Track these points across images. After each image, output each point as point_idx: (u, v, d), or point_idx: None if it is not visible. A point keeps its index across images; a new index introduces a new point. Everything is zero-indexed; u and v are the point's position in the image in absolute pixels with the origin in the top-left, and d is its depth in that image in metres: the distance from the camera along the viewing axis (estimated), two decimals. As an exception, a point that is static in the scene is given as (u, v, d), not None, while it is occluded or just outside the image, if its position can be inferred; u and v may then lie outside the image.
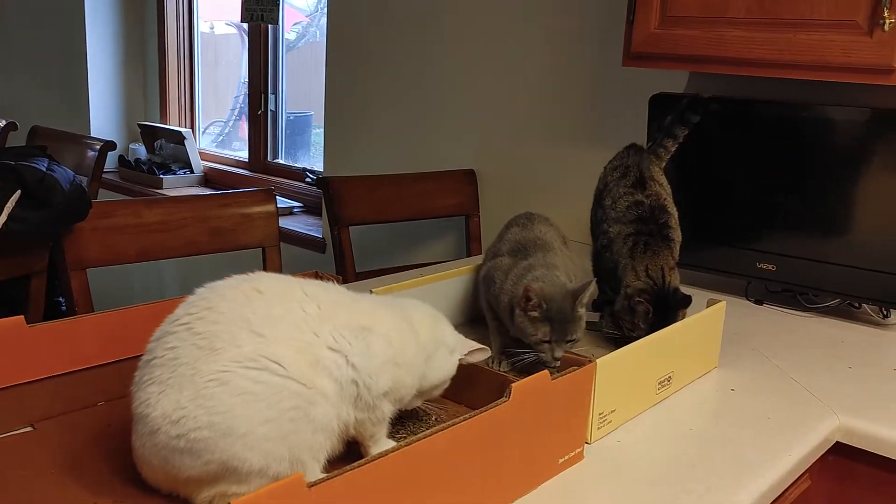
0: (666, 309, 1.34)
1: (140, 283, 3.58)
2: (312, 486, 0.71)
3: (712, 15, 1.57)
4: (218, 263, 0.95)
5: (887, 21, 1.37)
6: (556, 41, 2.23)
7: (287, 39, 3.54)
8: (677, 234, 1.47)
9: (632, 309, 1.34)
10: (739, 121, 1.75)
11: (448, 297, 1.47)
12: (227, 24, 3.83)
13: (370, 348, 0.90)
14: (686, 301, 1.35)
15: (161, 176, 3.47)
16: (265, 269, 1.91)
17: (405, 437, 0.97)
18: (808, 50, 1.48)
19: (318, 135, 3.32)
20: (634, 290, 1.35)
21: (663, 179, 1.53)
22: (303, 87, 3.51)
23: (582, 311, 1.25)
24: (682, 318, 1.34)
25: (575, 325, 1.23)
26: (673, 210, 1.49)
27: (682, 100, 1.62)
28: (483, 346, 1.10)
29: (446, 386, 1.07)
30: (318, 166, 3.19)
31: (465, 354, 1.08)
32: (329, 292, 0.93)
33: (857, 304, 1.69)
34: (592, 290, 1.25)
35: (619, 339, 1.36)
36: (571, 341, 1.23)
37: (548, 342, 1.22)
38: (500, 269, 1.35)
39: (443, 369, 1.04)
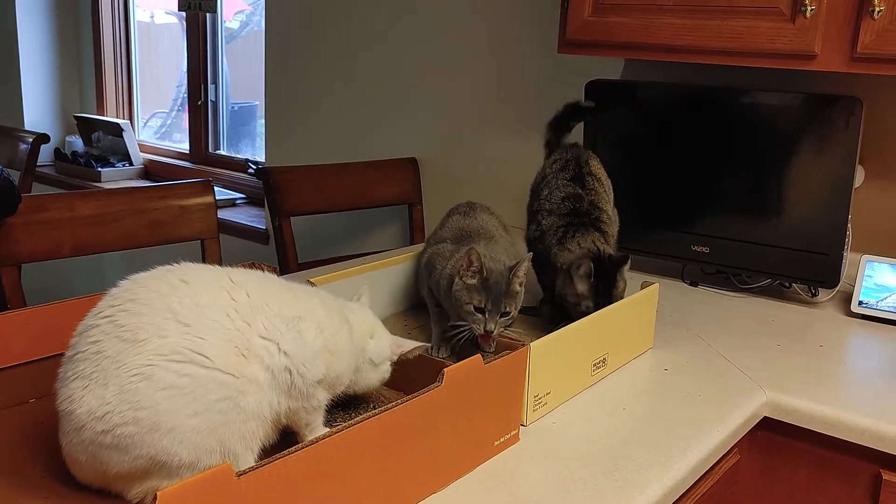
0: (605, 271, 1.32)
1: (82, 280, 3.50)
2: (241, 474, 0.71)
3: (643, 2, 1.60)
4: (163, 258, 0.94)
5: (808, 8, 1.41)
6: (496, 30, 2.25)
7: (230, 28, 3.49)
8: (610, 229, 1.47)
9: (572, 278, 1.33)
10: (674, 106, 1.78)
11: (389, 285, 1.48)
12: (167, 13, 3.76)
13: (302, 335, 0.90)
14: (623, 259, 1.33)
15: (99, 169, 3.39)
16: (204, 261, 1.89)
17: (343, 422, 0.97)
18: (736, 37, 1.51)
19: (263, 125, 3.29)
20: (570, 260, 1.35)
21: (603, 175, 1.54)
22: (247, 76, 3.46)
23: (518, 287, 1.23)
24: (624, 278, 1.34)
25: (510, 300, 1.21)
26: (607, 207, 1.49)
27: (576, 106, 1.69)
28: (421, 344, 1.12)
29: (386, 378, 1.08)
30: (263, 157, 3.16)
31: (400, 353, 1.10)
32: (257, 280, 0.93)
33: (787, 284, 1.74)
34: (528, 265, 1.25)
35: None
36: (506, 315, 1.21)
37: (481, 311, 1.20)
38: (443, 255, 1.35)
39: (369, 381, 1.06)
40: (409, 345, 1.10)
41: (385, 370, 1.07)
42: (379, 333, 1.07)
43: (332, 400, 1.00)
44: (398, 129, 2.50)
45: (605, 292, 1.29)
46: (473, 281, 1.21)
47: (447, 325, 1.33)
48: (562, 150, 1.58)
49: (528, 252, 1.54)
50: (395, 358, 1.09)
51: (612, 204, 1.54)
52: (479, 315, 1.20)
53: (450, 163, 2.41)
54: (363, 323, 1.05)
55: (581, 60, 1.98)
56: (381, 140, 2.54)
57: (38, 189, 3.16)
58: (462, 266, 1.22)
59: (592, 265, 1.31)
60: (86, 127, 3.65)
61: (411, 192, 2.41)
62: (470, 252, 1.21)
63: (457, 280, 1.23)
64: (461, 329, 1.23)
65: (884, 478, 1.20)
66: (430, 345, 1.17)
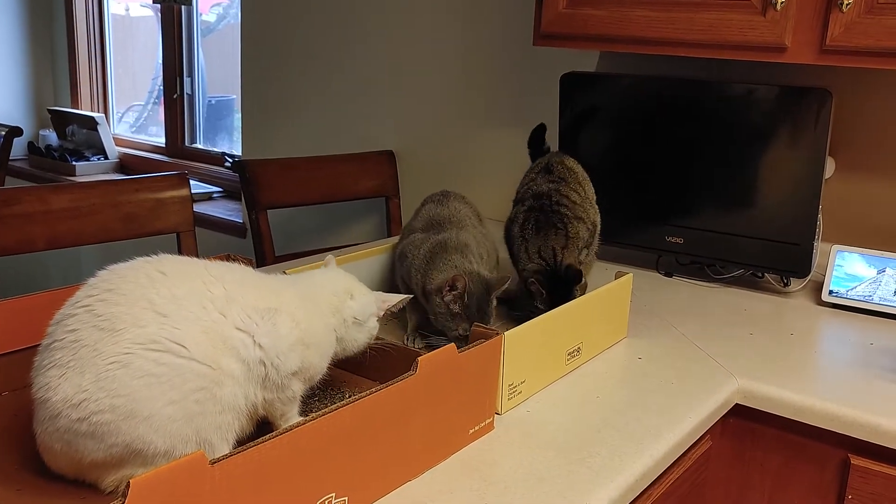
0: (559, 288, 1.36)
1: (58, 273, 3.47)
2: (215, 462, 0.72)
3: (617, -5, 1.61)
4: (138, 251, 0.94)
5: (779, 1, 1.43)
6: (471, 22, 2.25)
7: (206, 21, 3.47)
8: (572, 211, 1.46)
9: (529, 291, 1.38)
10: (648, 99, 1.80)
11: (365, 277, 1.46)
12: (142, 6, 3.73)
13: (276, 328, 0.90)
14: (576, 276, 1.36)
15: (74, 163, 3.36)
16: (180, 254, 1.88)
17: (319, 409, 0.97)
18: (708, 29, 1.53)
19: (240, 119, 3.27)
20: (527, 273, 1.38)
21: (577, 168, 1.56)
22: (224, 70, 3.44)
23: (494, 304, 1.27)
24: (582, 293, 1.36)
25: (486, 317, 1.25)
26: (571, 193, 1.49)
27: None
28: (405, 296, 1.14)
29: (374, 335, 1.09)
30: (240, 151, 3.15)
31: (386, 308, 1.10)
32: (234, 273, 0.93)
33: (759, 274, 1.76)
34: (507, 285, 1.28)
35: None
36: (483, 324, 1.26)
37: (464, 337, 1.23)
38: (414, 244, 1.36)
39: (358, 340, 1.06)
40: (394, 299, 1.11)
41: (372, 327, 1.07)
42: (358, 292, 1.06)
43: (310, 389, 1.01)
44: (375, 122, 2.50)
45: (560, 301, 1.30)
46: (456, 307, 1.23)
47: (422, 316, 1.34)
48: (541, 158, 1.60)
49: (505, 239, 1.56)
50: (382, 314, 1.09)
51: (587, 195, 1.55)
52: (461, 338, 1.23)
53: (427, 156, 2.41)
54: (338, 286, 1.04)
55: (557, 53, 1.99)
56: (358, 133, 2.54)
57: (10, 183, 3.13)
58: (444, 289, 1.23)
59: (544, 291, 1.34)
60: (60, 120, 3.61)
61: (388, 185, 2.41)
62: (455, 277, 1.22)
63: (437, 299, 1.24)
64: (439, 338, 1.26)
65: (852, 462, 1.22)
66: (411, 296, 1.23)
